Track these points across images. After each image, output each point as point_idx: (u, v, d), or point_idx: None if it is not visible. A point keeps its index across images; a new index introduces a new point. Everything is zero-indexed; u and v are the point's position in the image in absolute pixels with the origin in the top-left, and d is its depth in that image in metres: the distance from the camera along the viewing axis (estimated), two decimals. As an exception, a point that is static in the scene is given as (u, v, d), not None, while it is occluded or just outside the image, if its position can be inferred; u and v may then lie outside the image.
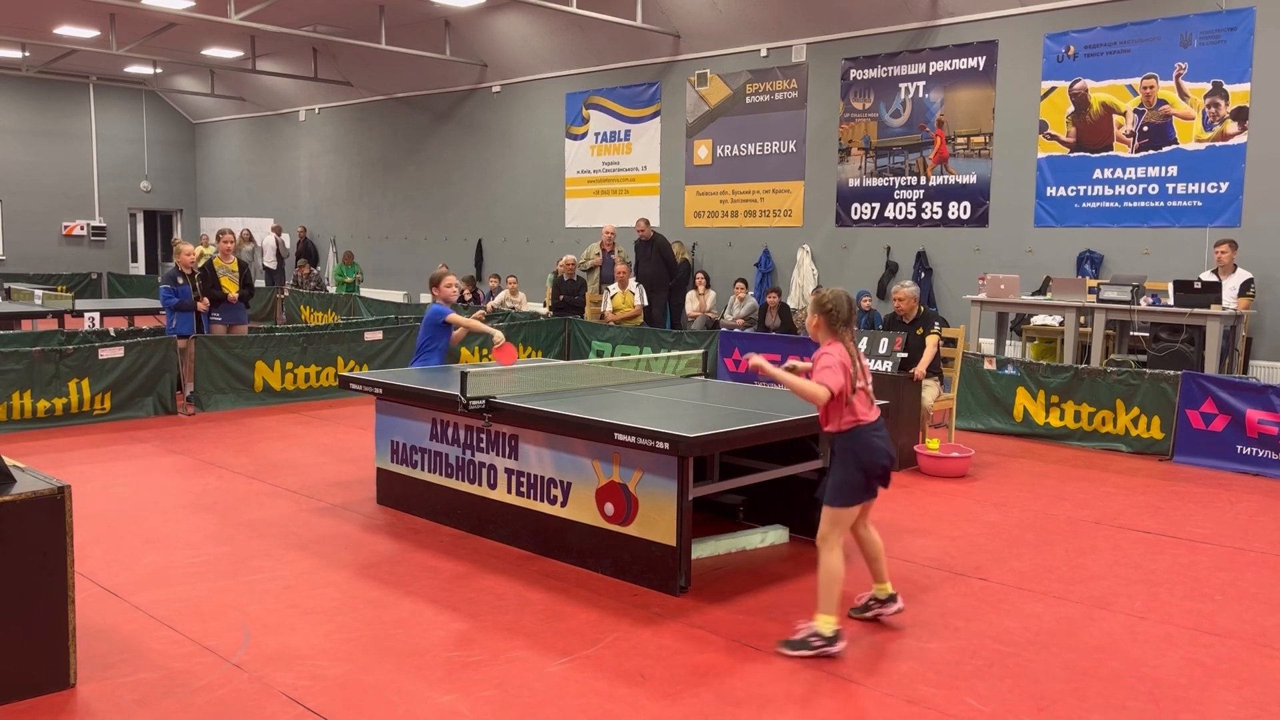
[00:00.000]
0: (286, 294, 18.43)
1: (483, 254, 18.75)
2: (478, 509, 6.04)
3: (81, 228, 24.39)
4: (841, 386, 4.32)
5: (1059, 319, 10.98)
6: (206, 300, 10.21)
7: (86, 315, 12.21)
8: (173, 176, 25.93)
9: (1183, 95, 10.96)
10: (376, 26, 16.22)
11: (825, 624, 4.31)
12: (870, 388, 4.55)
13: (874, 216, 13.52)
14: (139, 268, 25.47)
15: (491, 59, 17.75)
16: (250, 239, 21.50)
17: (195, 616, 4.71)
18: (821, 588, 4.36)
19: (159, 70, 22.65)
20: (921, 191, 13.06)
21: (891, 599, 4.72)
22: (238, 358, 10.26)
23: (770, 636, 4.51)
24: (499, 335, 7.45)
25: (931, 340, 8.14)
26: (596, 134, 16.70)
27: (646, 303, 13.20)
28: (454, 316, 7.50)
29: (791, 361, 4.69)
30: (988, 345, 11.47)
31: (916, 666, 4.27)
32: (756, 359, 4.54)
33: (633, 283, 13.22)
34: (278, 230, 22.01)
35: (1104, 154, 11.56)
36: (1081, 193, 11.76)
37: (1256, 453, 8.03)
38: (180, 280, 10.11)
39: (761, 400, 6.09)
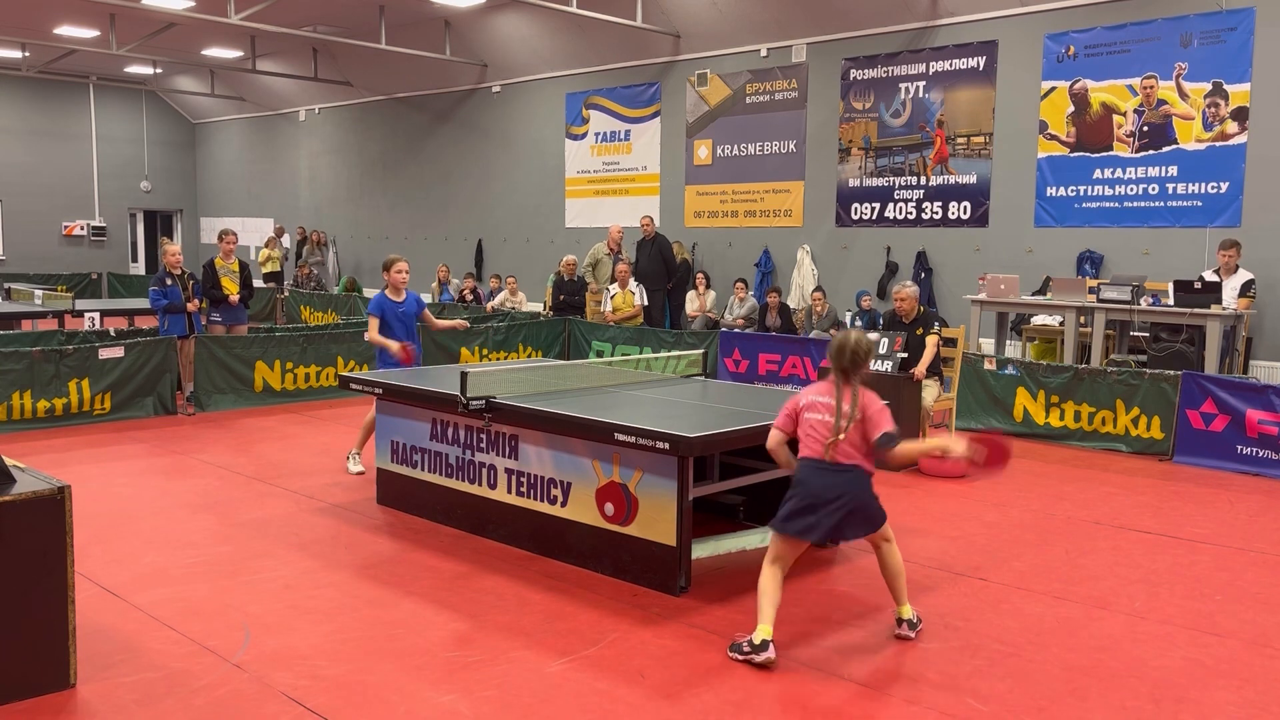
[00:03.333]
0: (286, 294, 18.43)
1: (483, 254, 18.75)
2: (478, 509, 6.04)
3: (81, 228, 24.38)
4: (786, 430, 4.45)
5: (1059, 319, 10.97)
6: (197, 301, 10.17)
7: (86, 315, 12.21)
8: (173, 176, 25.92)
9: (1183, 95, 10.95)
10: (376, 26, 16.22)
11: (757, 631, 4.28)
12: (844, 437, 4.27)
13: (874, 216, 13.52)
14: (139, 268, 25.45)
15: (491, 59, 17.75)
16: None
17: (195, 616, 4.71)
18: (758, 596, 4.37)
19: (159, 70, 22.64)
20: (921, 191, 13.06)
21: (906, 623, 4.55)
22: (238, 358, 10.26)
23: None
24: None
25: (931, 340, 8.15)
26: (596, 134, 16.70)
27: (646, 303, 13.19)
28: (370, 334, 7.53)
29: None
30: (988, 345, 11.47)
31: (916, 666, 4.27)
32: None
33: (633, 283, 13.21)
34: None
35: (1104, 154, 11.56)
36: (1081, 193, 11.76)
37: (1256, 453, 8.03)
38: (169, 281, 10.04)
39: (761, 400, 6.10)
